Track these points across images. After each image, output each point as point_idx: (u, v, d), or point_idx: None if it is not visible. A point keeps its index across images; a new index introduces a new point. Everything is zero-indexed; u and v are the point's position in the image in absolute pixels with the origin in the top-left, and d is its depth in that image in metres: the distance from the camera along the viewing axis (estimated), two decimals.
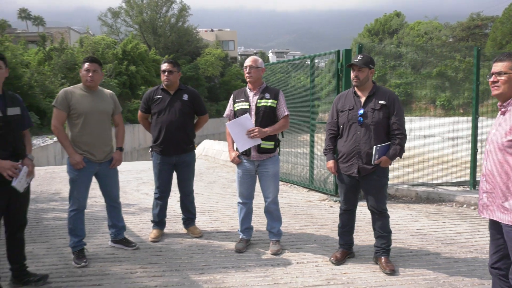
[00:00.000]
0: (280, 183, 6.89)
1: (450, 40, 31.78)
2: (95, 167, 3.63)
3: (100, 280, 3.24)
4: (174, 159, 4.07)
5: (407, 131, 3.50)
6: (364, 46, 5.63)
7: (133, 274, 3.35)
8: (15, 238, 3.08)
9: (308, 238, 4.24)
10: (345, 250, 3.65)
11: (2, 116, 2.82)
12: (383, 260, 3.43)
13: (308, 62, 6.58)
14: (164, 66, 3.96)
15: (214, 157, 9.76)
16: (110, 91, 3.88)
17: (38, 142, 13.64)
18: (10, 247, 3.08)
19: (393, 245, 3.74)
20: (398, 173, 7.43)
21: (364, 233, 4.34)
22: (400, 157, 3.38)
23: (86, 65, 3.54)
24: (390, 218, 3.52)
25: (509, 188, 2.07)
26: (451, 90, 24.87)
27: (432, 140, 18.59)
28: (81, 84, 3.63)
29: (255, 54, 74.44)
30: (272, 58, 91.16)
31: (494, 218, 2.16)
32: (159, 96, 4.01)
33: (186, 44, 41.60)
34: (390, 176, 3.69)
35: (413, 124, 20.14)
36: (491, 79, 2.23)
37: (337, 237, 3.74)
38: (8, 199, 2.90)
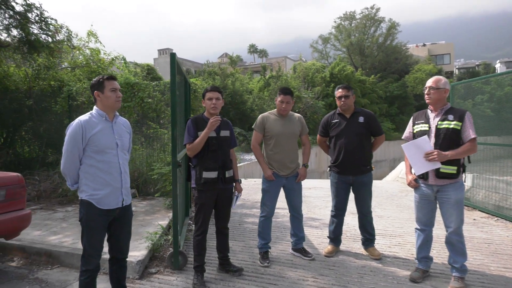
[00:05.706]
0: (485, 215, 6.04)
1: None
2: (282, 180, 4.17)
3: (277, 281, 3.69)
4: (351, 179, 4.20)
5: None
6: None
7: (304, 282, 3.66)
8: (222, 232, 3.84)
9: (506, 282, 3.59)
10: None
11: (216, 136, 3.62)
12: None
13: None
14: (339, 92, 4.16)
15: None
16: (299, 115, 4.37)
17: (250, 158, 15.95)
18: (218, 239, 3.86)
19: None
20: None
21: None
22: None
23: (281, 97, 4.11)
24: None
25: None
26: None
27: None
28: (275, 110, 4.25)
29: (477, 66, 65.31)
30: (501, 69, 77.59)
31: None
32: (336, 120, 4.24)
33: (393, 62, 40.41)
34: None
35: None
36: None
37: None
38: (215, 200, 3.67)
